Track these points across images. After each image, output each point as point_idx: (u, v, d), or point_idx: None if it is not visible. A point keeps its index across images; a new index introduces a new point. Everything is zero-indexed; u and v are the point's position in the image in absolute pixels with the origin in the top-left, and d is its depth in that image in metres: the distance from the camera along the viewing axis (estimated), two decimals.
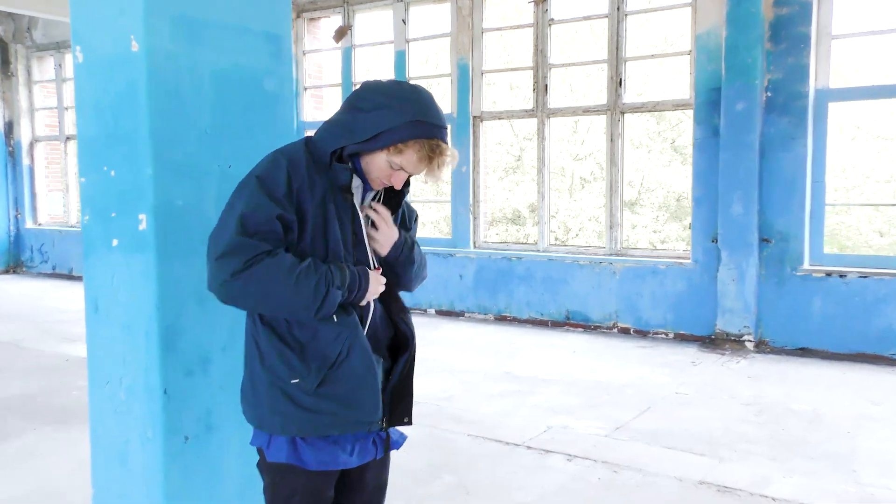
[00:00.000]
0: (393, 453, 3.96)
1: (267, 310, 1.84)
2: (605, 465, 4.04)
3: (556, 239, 17.00)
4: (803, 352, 6.45)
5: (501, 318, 8.00)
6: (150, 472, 2.10)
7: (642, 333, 7.23)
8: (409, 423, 2.04)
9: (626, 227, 17.44)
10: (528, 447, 4.32)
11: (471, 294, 8.21)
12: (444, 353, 6.65)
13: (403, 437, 2.07)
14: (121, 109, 2.03)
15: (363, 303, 1.95)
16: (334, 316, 1.89)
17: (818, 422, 4.72)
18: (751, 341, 6.59)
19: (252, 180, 1.83)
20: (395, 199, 2.07)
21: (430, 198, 16.23)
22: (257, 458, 1.99)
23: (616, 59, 7.30)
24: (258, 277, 1.77)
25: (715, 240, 6.80)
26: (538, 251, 7.96)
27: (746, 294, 6.59)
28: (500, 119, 8.29)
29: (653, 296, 7.18)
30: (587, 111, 7.80)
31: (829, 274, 6.35)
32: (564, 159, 18.27)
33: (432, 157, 1.89)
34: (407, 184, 2.02)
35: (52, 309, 8.68)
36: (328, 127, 1.93)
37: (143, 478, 2.11)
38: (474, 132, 8.23)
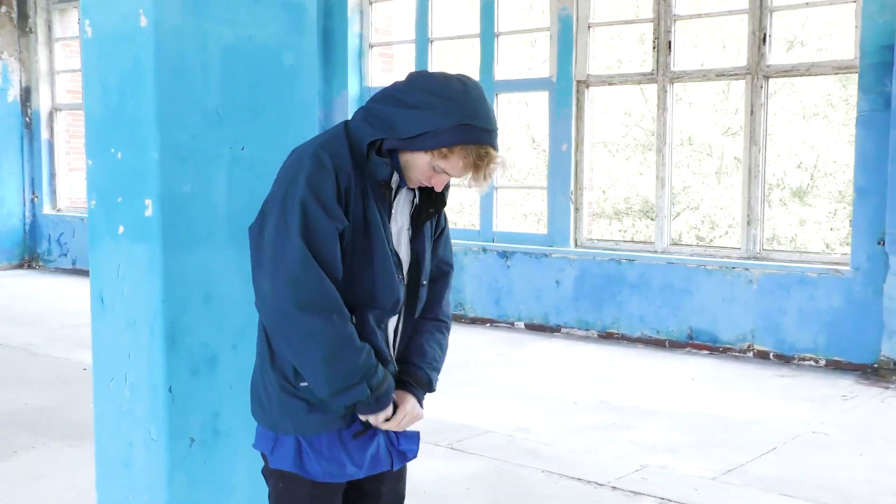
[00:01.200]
0: (449, 491, 4.34)
1: (292, 355, 2.21)
2: None
3: (698, 238, 16.98)
4: None
5: (607, 336, 8.25)
6: (153, 477, 2.52)
7: (785, 359, 7.33)
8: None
9: (791, 222, 17.22)
10: (614, 487, 4.60)
11: (570, 305, 8.49)
12: (528, 375, 6.97)
13: (416, 448, 2.42)
14: (127, 88, 2.46)
15: (367, 419, 2.30)
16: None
17: None
18: None
19: (300, 187, 2.16)
20: (437, 199, 2.41)
21: (521, 183, 16.55)
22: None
23: (759, 9, 7.43)
24: (313, 329, 2.14)
25: (882, 242, 6.85)
26: (655, 252, 8.16)
27: None
28: (610, 84, 8.54)
29: (800, 312, 7.28)
30: (721, 75, 7.94)
31: None
32: (711, 134, 18.20)
33: (479, 164, 2.22)
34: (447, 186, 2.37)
35: (70, 311, 9.48)
36: (367, 116, 2.28)
37: (147, 483, 2.54)
38: (577, 100, 8.50)
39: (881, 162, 6.85)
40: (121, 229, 2.64)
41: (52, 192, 13.02)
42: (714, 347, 7.69)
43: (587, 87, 8.50)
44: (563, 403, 6.20)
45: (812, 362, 7.23)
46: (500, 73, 9.20)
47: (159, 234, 2.58)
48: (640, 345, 8.04)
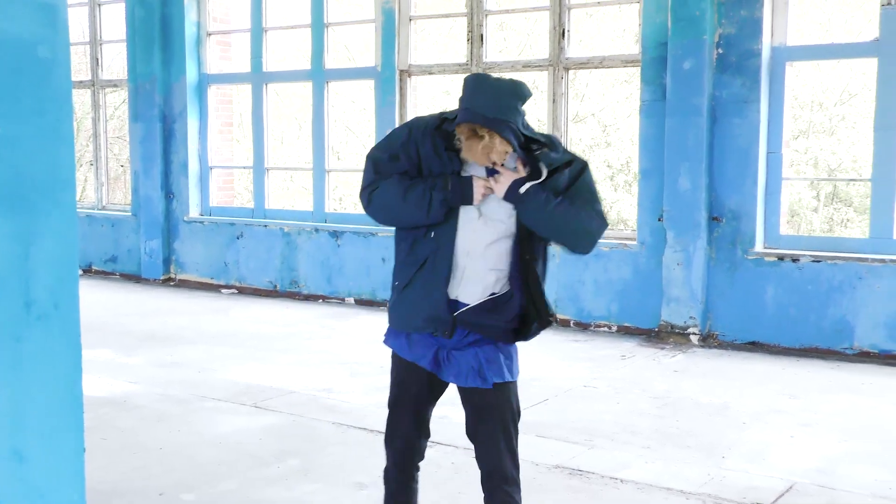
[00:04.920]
0: (244, 440, 4.85)
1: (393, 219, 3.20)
2: (467, 451, 4.89)
3: None
4: (754, 346, 7.32)
5: None
6: None
7: (583, 326, 8.09)
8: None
9: (632, 203, 18.29)
10: None
11: None
12: (346, 345, 7.51)
13: (499, 377, 3.18)
14: None
15: (476, 202, 3.08)
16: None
17: (720, 415, 5.59)
18: (696, 334, 7.45)
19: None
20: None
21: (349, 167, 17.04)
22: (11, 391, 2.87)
23: (559, 7, 8.13)
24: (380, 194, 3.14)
25: (661, 218, 7.65)
26: None
27: (693, 281, 7.45)
28: (430, 74, 9.13)
29: (596, 283, 8.04)
30: (528, 66, 8.63)
31: (780, 258, 7.21)
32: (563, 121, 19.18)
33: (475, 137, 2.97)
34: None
35: None
36: None
37: None
38: (401, 88, 9.06)
39: (660, 146, 7.64)
40: None
41: None
42: None
43: (409, 76, 9.08)
44: (370, 368, 6.75)
45: (606, 328, 8.00)
46: (330, 62, 9.69)
47: None
48: None
